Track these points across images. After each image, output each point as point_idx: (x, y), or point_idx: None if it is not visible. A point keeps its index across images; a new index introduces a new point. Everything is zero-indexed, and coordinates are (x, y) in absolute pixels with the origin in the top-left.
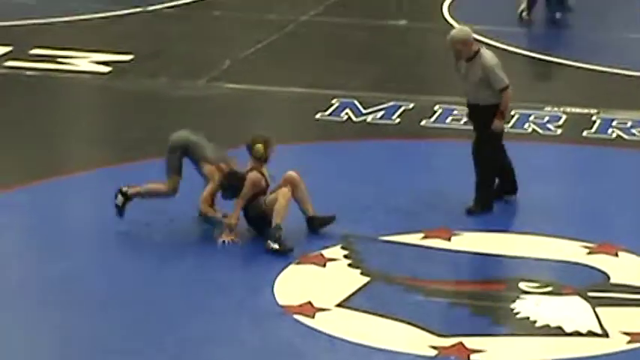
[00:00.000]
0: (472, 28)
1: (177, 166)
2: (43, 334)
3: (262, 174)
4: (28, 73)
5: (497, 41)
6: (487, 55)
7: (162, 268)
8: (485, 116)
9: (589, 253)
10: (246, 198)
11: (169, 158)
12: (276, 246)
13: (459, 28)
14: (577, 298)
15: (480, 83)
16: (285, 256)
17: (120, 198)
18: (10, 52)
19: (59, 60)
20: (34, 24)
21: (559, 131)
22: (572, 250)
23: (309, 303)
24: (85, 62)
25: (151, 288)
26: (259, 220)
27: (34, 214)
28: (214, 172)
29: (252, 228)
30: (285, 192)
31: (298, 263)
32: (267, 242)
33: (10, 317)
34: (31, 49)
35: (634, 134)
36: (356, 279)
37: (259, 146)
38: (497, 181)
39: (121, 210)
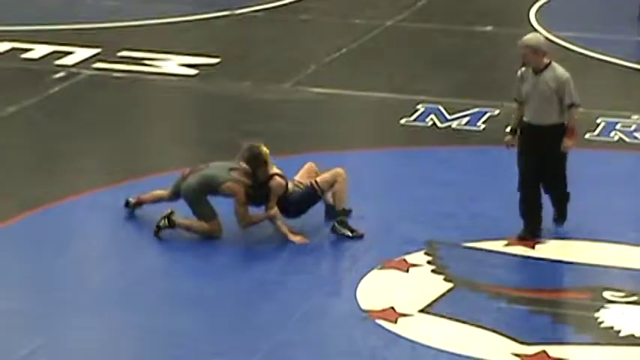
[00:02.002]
0: (560, 35)
1: (209, 209)
2: (127, 335)
3: (279, 175)
4: (116, 74)
5: (585, 49)
6: (560, 68)
7: (244, 271)
8: (550, 137)
9: None
10: (276, 204)
11: (197, 208)
12: (348, 232)
13: (533, 34)
14: None
15: (549, 98)
16: (358, 239)
17: (164, 222)
18: (99, 53)
19: (147, 62)
20: (123, 26)
21: None
22: None
23: (392, 308)
24: (172, 65)
25: (233, 291)
26: (295, 206)
27: (118, 214)
28: (235, 187)
29: (291, 216)
30: (340, 172)
31: (381, 268)
32: (336, 227)
33: (94, 318)
34: (120, 51)
35: None
36: (439, 285)
37: (266, 150)
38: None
39: (158, 233)
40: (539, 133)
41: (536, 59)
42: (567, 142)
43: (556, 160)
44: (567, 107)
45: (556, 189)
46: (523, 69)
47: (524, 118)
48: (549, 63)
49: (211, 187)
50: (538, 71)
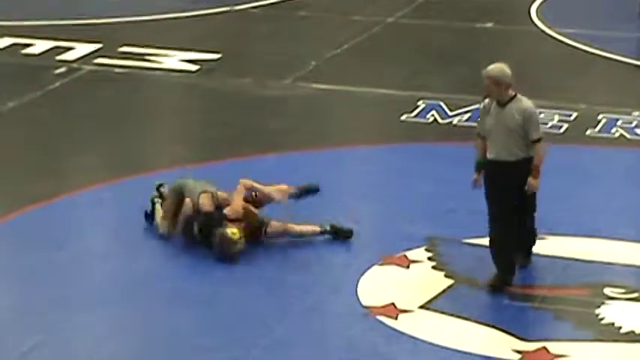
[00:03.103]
0: (561, 31)
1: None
2: (126, 331)
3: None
4: (117, 70)
5: (586, 45)
6: (527, 100)
7: (243, 267)
8: (511, 174)
9: None
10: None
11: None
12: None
13: (497, 65)
14: None
15: (513, 132)
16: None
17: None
18: (100, 49)
19: (148, 58)
20: (124, 22)
21: None
22: None
23: (393, 304)
24: (173, 60)
25: (234, 288)
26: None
27: (118, 211)
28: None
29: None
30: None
31: (382, 264)
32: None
33: (94, 315)
34: (121, 46)
35: None
36: (440, 281)
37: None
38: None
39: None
40: (496, 170)
41: (498, 91)
42: (532, 182)
43: (525, 196)
44: (532, 143)
45: (525, 226)
46: (486, 101)
47: (488, 155)
48: (514, 95)
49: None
50: (502, 104)
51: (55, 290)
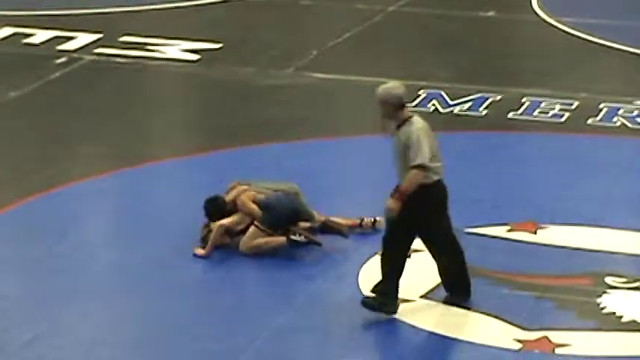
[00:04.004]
0: (562, 20)
1: None
2: (128, 321)
3: None
4: (118, 60)
5: (587, 34)
6: (418, 123)
7: (245, 258)
8: (413, 200)
9: None
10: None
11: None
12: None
13: (387, 84)
14: None
15: (401, 156)
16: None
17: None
18: (101, 39)
19: (149, 47)
20: (125, 11)
21: None
22: None
23: None
24: (174, 50)
25: (234, 277)
26: None
27: (121, 200)
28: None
29: None
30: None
31: None
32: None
33: (95, 304)
34: (121, 36)
35: None
36: None
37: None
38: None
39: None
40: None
41: (387, 112)
42: (388, 203)
43: (427, 225)
44: (410, 167)
45: (440, 256)
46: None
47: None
48: (409, 117)
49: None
50: (397, 126)
51: (56, 280)
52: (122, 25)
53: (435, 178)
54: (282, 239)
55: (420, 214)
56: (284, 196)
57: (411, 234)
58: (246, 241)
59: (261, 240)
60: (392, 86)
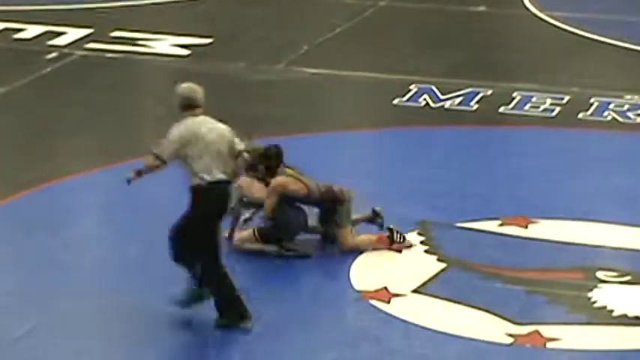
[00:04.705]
0: (553, 14)
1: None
2: (119, 316)
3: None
4: (109, 55)
5: (578, 28)
6: (186, 123)
7: (236, 254)
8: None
9: None
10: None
11: None
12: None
13: (186, 84)
14: None
15: None
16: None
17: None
18: (91, 34)
19: (139, 42)
20: (115, 7)
21: (639, 119)
22: None
23: (385, 288)
24: (165, 45)
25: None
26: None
27: (112, 195)
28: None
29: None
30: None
31: (374, 249)
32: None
33: (87, 299)
34: (112, 31)
35: None
36: (432, 265)
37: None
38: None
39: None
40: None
41: (178, 108)
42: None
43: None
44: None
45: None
46: None
47: None
48: (188, 117)
49: None
50: None
51: (49, 275)
52: (113, 20)
53: (198, 182)
54: (273, 251)
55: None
56: (298, 215)
57: (201, 238)
58: (239, 243)
59: (252, 246)
60: (183, 86)
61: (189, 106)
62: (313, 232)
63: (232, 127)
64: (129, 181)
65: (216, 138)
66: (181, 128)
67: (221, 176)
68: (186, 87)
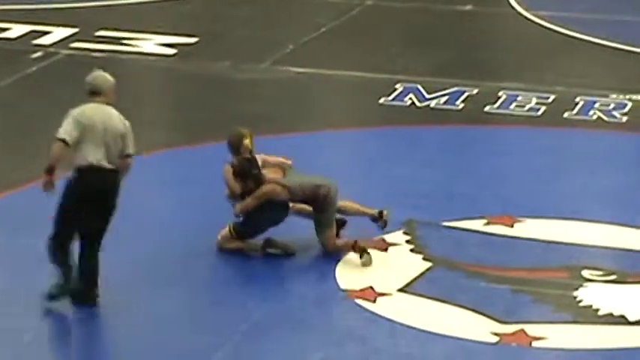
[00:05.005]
0: (538, 14)
1: None
2: (106, 317)
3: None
4: (94, 54)
5: (563, 27)
6: (80, 108)
7: (222, 254)
8: None
9: None
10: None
11: None
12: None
13: (97, 72)
14: None
15: None
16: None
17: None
18: (76, 33)
19: (125, 42)
20: (101, 5)
21: (624, 119)
22: (636, 238)
23: (371, 288)
24: (150, 44)
25: (212, 273)
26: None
27: None
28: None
29: None
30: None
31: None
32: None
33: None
34: (97, 30)
35: None
36: (418, 264)
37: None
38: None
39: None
40: None
41: None
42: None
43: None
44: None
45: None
46: None
47: None
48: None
49: None
50: None
51: (33, 276)
52: (98, 19)
53: (80, 162)
54: (257, 249)
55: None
56: (277, 212)
57: (62, 212)
58: (221, 241)
59: (235, 245)
60: (94, 74)
61: (92, 93)
62: (301, 215)
63: (217, 125)
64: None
65: (108, 130)
66: (77, 111)
67: (105, 164)
68: (94, 74)
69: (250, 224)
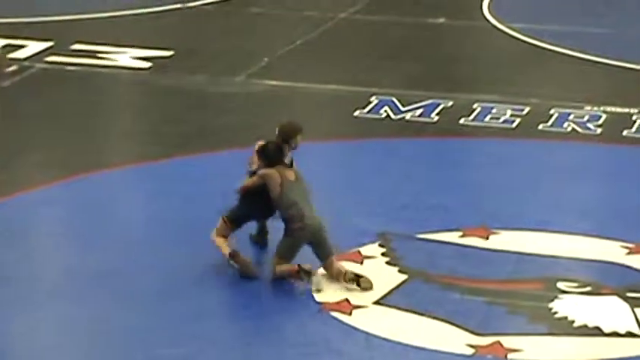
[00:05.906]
0: (513, 26)
1: None
2: (79, 330)
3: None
4: (69, 68)
5: (538, 40)
6: None
7: (197, 268)
8: None
9: (628, 253)
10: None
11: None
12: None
13: None
14: (616, 299)
15: None
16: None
17: None
18: (52, 47)
19: (100, 55)
20: (76, 19)
21: (599, 130)
22: (611, 250)
23: (347, 300)
24: (125, 58)
25: (187, 287)
26: None
27: (74, 209)
28: None
29: None
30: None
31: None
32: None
33: (46, 313)
34: (72, 44)
35: None
36: (393, 277)
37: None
38: None
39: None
40: None
41: None
42: None
43: None
44: None
45: None
46: None
47: None
48: None
49: None
50: None
51: (6, 289)
52: (73, 33)
53: None
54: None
55: None
56: (267, 201)
57: None
58: (214, 232)
59: (216, 241)
60: None
61: None
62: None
63: (193, 139)
64: None
65: None
66: None
67: None
68: None
69: (242, 208)
